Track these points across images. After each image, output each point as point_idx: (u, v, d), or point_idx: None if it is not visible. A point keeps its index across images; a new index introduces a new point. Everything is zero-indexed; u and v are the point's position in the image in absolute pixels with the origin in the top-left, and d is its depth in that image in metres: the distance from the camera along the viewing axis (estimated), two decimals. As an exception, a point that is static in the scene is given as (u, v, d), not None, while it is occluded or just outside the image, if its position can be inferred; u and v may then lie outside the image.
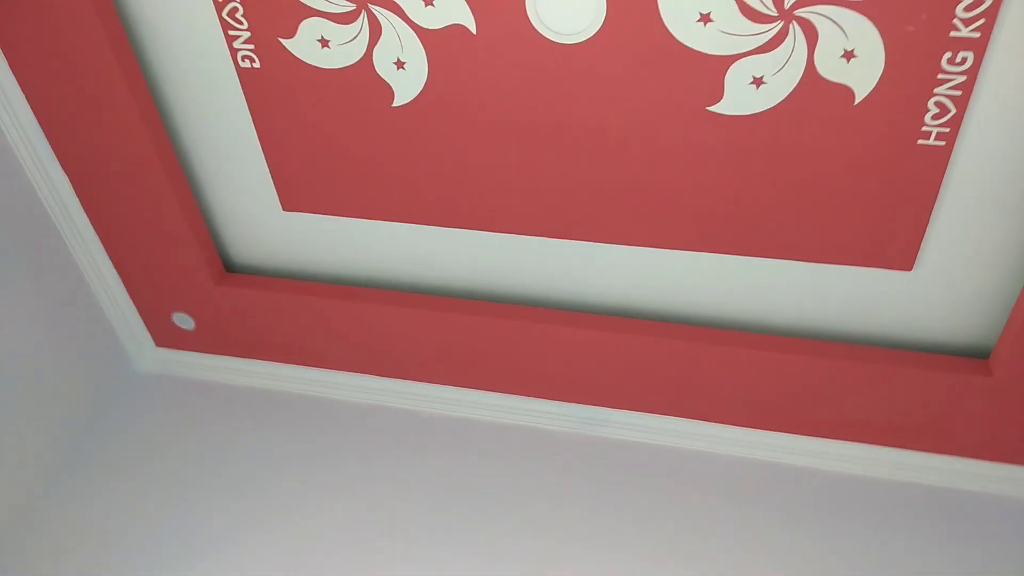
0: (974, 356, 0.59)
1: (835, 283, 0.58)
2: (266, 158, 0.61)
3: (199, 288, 0.69)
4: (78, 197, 0.65)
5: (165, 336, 0.75)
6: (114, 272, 0.71)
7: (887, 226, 0.53)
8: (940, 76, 0.46)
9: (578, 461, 0.67)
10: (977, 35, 0.44)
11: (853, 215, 0.53)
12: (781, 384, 0.61)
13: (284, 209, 0.64)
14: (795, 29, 0.45)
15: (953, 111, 0.47)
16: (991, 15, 0.43)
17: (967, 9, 0.43)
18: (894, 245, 0.54)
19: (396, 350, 0.69)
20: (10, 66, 0.57)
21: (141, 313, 0.74)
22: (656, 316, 0.64)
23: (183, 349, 0.76)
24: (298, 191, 0.62)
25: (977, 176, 0.50)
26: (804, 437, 0.64)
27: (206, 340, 0.74)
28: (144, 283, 0.71)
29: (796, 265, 0.58)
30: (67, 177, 0.64)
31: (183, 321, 0.73)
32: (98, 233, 0.68)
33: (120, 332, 0.75)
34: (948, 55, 0.45)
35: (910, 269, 0.55)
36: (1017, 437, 0.59)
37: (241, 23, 0.53)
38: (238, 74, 0.56)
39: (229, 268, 0.71)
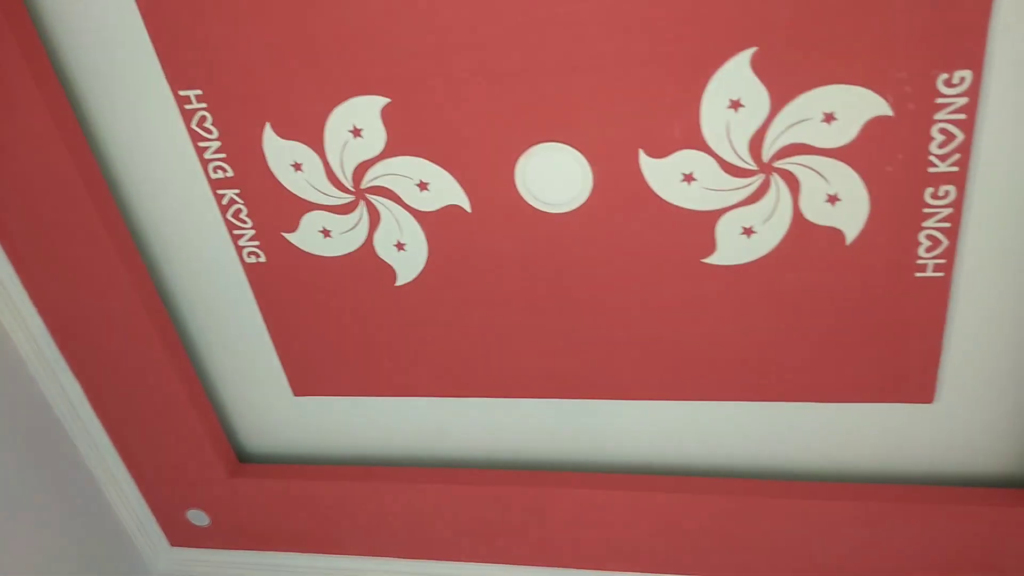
0: (1014, 485, 0.56)
1: (858, 422, 0.57)
2: (275, 346, 0.62)
3: (213, 482, 0.68)
4: (89, 401, 0.66)
5: (180, 535, 0.74)
6: (127, 473, 0.70)
7: (900, 360, 0.53)
8: (926, 211, 0.47)
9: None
10: (956, 169, 0.45)
11: (864, 352, 0.53)
12: (820, 533, 0.59)
13: (296, 394, 0.64)
14: (776, 180, 0.47)
15: (945, 243, 0.48)
16: (965, 149, 0.44)
17: (941, 146, 0.44)
18: (911, 378, 0.53)
19: (419, 528, 0.67)
20: (18, 274, 0.59)
21: (155, 513, 0.73)
22: (680, 471, 0.62)
23: (199, 547, 0.74)
24: (309, 376, 0.63)
25: (983, 301, 0.50)
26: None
27: (222, 535, 0.73)
28: (157, 482, 0.70)
29: (816, 407, 0.57)
30: (78, 382, 0.65)
31: (198, 518, 0.72)
32: (109, 435, 0.68)
33: (134, 535, 0.73)
34: (930, 190, 0.46)
35: (931, 401, 0.54)
36: (1076, 568, 0.56)
37: (245, 222, 0.55)
38: (244, 269, 0.58)
39: (243, 458, 0.70)
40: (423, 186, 0.51)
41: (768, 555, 0.61)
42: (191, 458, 0.67)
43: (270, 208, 0.54)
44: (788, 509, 0.58)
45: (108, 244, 0.56)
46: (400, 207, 0.53)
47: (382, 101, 0.49)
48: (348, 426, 0.66)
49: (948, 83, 0.42)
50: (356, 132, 0.50)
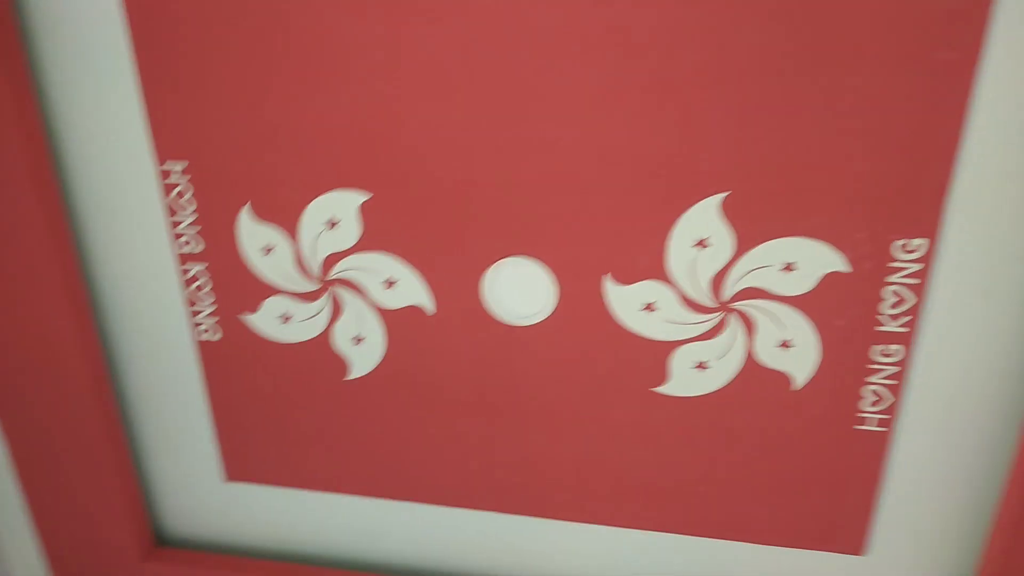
0: (937, 648, 0.57)
1: (788, 567, 0.57)
2: (215, 426, 0.60)
3: (124, 563, 0.65)
4: (9, 449, 0.62)
5: (79, 616, 0.69)
6: (36, 541, 0.66)
7: (834, 509, 0.53)
8: (873, 367, 0.48)
9: None
10: (905, 330, 0.47)
11: (799, 497, 0.53)
12: None
13: (228, 479, 0.62)
14: (734, 320, 0.48)
15: (890, 399, 0.49)
16: (915, 312, 0.46)
17: (893, 306, 0.47)
18: (843, 528, 0.54)
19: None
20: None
21: (56, 588, 0.69)
22: (609, 599, 0.61)
23: (97, 630, 0.70)
24: (244, 460, 0.61)
25: (921, 458, 0.51)
26: None
27: (125, 621, 0.68)
28: (65, 552, 0.67)
29: (749, 547, 0.57)
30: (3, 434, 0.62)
31: (102, 599, 0.68)
32: (23, 488, 0.64)
33: (29, 610, 0.69)
34: (879, 347, 0.48)
35: (860, 553, 0.55)
36: None
37: (205, 299, 0.55)
38: (196, 344, 0.57)
39: (162, 539, 0.67)
40: (390, 284, 0.52)
41: None
42: (106, 534, 0.64)
43: (234, 287, 0.54)
44: (715, 651, 0.57)
45: (62, 295, 0.55)
46: (364, 301, 0.53)
47: (363, 196, 0.49)
48: (278, 519, 0.64)
49: (905, 248, 0.45)
50: (332, 224, 0.51)
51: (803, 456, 0.52)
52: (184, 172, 0.51)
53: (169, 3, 0.46)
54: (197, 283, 0.55)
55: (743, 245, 0.46)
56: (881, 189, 0.43)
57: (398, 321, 0.53)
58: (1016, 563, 0.50)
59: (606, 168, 0.46)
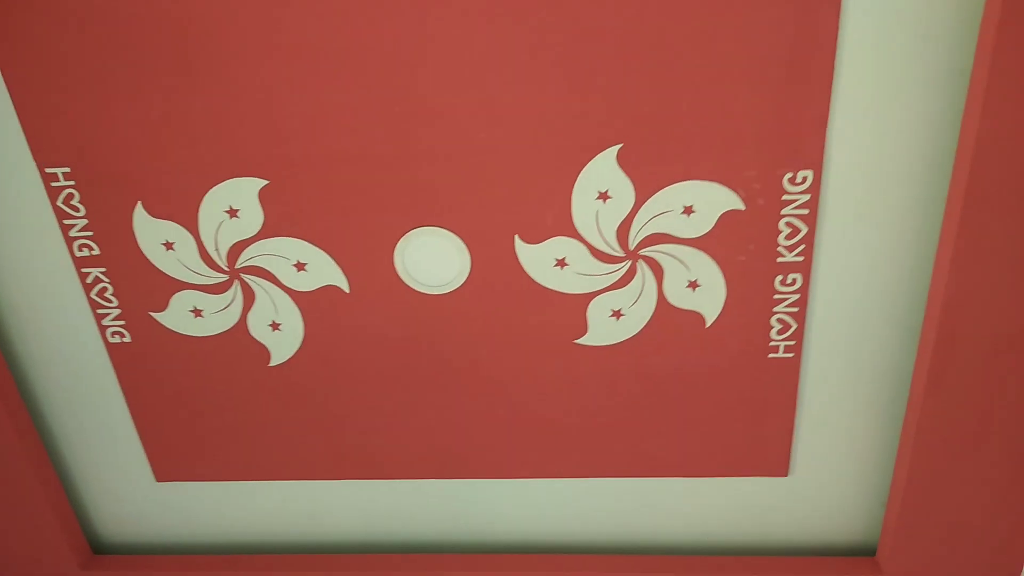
0: (863, 554, 0.60)
1: (718, 495, 0.59)
2: (137, 429, 0.59)
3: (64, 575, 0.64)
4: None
5: (22, 635, 0.68)
6: (-36, 569, 0.65)
7: (757, 435, 0.56)
8: (776, 296, 0.50)
9: None
10: (801, 259, 0.49)
11: (723, 428, 0.56)
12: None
13: (158, 480, 0.61)
14: (642, 266, 0.50)
15: (795, 326, 0.51)
16: (809, 241, 0.48)
17: (788, 238, 0.48)
18: (766, 453, 0.57)
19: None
20: None
21: (-6, 611, 0.67)
22: (556, 548, 0.63)
23: (43, 648, 0.68)
24: (173, 460, 0.60)
25: (830, 380, 0.54)
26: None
27: (70, 634, 0.67)
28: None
29: (681, 482, 0.59)
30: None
31: (43, 615, 0.66)
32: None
33: (-32, 637, 0.67)
34: (780, 278, 0.50)
35: (785, 475, 0.57)
36: (918, 632, 0.59)
37: (110, 301, 0.54)
38: (107, 348, 0.55)
39: (97, 549, 0.66)
40: (300, 266, 0.51)
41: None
42: (39, 548, 0.62)
43: (138, 287, 0.53)
44: (658, 583, 0.60)
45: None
46: (276, 287, 0.52)
47: (260, 183, 0.49)
48: (215, 513, 0.63)
49: (792, 181, 0.46)
50: (232, 212, 0.50)
51: (722, 389, 0.54)
52: (69, 177, 0.49)
53: (23, 10, 0.44)
54: (100, 286, 0.53)
55: (642, 193, 0.47)
56: (765, 126, 0.45)
57: (314, 303, 0.53)
58: (924, 472, 0.54)
59: (500, 131, 0.46)
